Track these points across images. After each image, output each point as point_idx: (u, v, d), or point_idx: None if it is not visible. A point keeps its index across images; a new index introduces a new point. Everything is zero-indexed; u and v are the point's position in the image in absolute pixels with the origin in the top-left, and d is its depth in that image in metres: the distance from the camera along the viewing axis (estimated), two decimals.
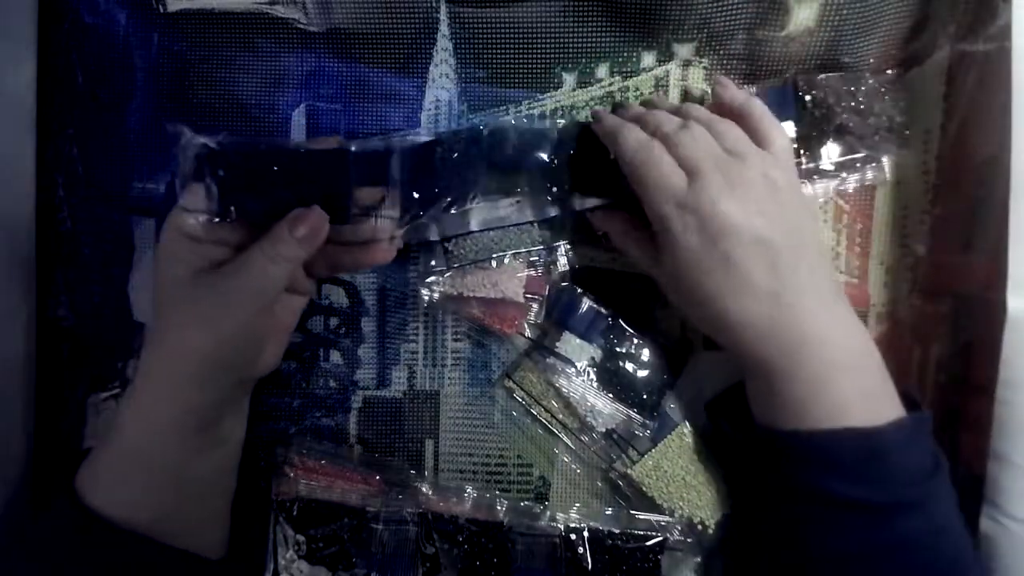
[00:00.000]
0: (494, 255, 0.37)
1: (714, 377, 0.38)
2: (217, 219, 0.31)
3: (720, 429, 0.36)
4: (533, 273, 0.38)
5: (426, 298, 0.38)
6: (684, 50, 0.37)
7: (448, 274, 0.37)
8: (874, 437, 0.30)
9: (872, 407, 0.30)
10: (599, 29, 0.37)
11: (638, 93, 0.38)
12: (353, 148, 0.32)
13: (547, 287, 0.38)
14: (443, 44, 0.38)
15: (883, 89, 0.36)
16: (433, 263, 0.37)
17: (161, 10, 0.39)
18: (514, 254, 0.37)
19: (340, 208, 0.32)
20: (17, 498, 0.39)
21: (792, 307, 0.30)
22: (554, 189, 0.35)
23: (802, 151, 0.36)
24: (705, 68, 0.37)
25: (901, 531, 0.29)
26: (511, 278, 0.37)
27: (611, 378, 0.37)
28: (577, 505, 0.38)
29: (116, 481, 0.31)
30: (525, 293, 0.38)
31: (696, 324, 0.34)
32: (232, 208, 0.31)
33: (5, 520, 0.38)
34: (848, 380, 0.30)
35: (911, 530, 0.30)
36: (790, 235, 0.30)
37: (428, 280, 0.38)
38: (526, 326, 0.38)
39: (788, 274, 0.30)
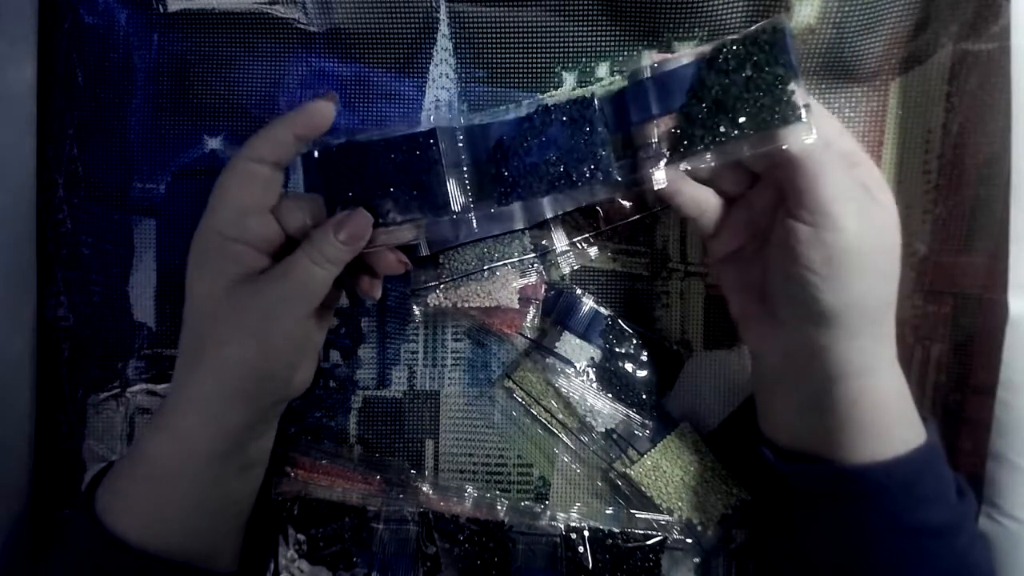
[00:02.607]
0: (486, 266, 0.37)
1: (713, 378, 0.38)
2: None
3: (763, 459, 0.33)
4: (526, 281, 0.38)
5: (419, 313, 0.38)
6: (685, 48, 0.37)
7: (441, 287, 0.37)
8: (935, 454, 0.30)
9: (916, 422, 0.31)
10: (599, 29, 0.37)
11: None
12: (437, 128, 0.32)
13: (542, 291, 0.38)
14: (443, 44, 0.38)
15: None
16: (424, 278, 0.37)
17: (161, 10, 0.39)
18: (506, 264, 0.37)
19: (439, 193, 0.32)
20: (18, 498, 0.39)
21: (888, 318, 0.30)
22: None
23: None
24: None
25: (958, 547, 0.30)
26: (504, 286, 0.37)
27: (610, 378, 0.37)
28: (577, 505, 0.38)
29: (139, 504, 0.31)
30: (520, 298, 0.37)
31: (797, 312, 0.30)
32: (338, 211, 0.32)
33: (6, 520, 0.38)
34: (905, 397, 0.31)
35: (964, 544, 0.30)
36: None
37: (421, 294, 0.38)
38: (526, 327, 0.38)
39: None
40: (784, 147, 0.28)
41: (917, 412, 0.31)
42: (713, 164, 0.31)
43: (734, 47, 0.29)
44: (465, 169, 0.33)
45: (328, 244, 0.31)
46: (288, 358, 0.32)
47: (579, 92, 0.33)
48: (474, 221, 0.34)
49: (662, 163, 0.31)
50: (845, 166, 0.29)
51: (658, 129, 0.31)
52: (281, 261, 0.31)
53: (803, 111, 0.29)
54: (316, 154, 0.33)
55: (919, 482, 0.30)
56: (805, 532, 0.32)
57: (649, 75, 0.31)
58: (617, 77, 0.37)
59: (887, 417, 0.30)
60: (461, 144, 0.33)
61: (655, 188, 0.31)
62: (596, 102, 0.32)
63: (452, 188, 0.32)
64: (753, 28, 0.30)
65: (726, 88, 0.30)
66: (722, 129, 0.30)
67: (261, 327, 0.30)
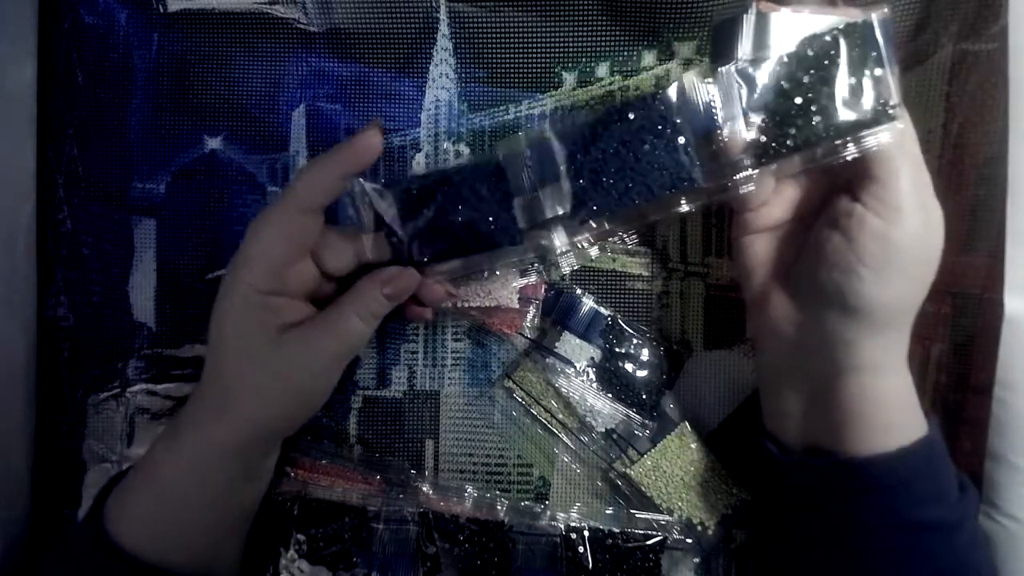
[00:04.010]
0: (487, 266, 0.37)
1: (713, 378, 0.38)
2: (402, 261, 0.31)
3: (765, 453, 0.33)
4: (526, 281, 0.38)
5: None
6: (685, 49, 0.37)
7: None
8: (936, 450, 0.30)
9: (919, 419, 0.31)
10: (599, 29, 0.37)
11: (638, 92, 0.38)
12: (503, 155, 0.30)
13: (542, 291, 0.38)
14: (443, 44, 0.38)
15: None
16: None
17: (161, 10, 0.39)
18: (506, 264, 0.37)
19: (509, 223, 0.31)
20: (18, 498, 0.39)
21: (911, 319, 0.30)
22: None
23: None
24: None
25: (959, 544, 0.30)
26: (504, 286, 0.37)
27: (610, 378, 0.37)
28: (577, 505, 0.38)
29: (152, 522, 0.31)
30: (520, 298, 0.37)
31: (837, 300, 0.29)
32: (412, 249, 0.31)
33: (6, 520, 0.38)
34: (910, 394, 0.31)
35: (965, 541, 0.30)
36: None
37: None
38: (526, 327, 0.38)
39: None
40: (875, 148, 0.28)
41: (920, 409, 0.31)
42: (803, 167, 0.29)
43: (827, 40, 0.28)
44: (535, 195, 0.30)
45: (375, 301, 0.31)
46: (320, 403, 0.33)
47: (653, 87, 0.30)
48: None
49: (749, 166, 0.29)
50: (917, 166, 0.29)
51: (746, 129, 0.29)
52: (323, 314, 0.31)
53: (896, 110, 0.28)
54: (382, 193, 0.31)
55: (920, 478, 0.30)
56: (805, 528, 0.32)
57: (754, 17, 0.28)
58: (617, 77, 0.37)
59: (891, 413, 0.30)
60: (529, 166, 0.30)
61: (742, 194, 0.30)
62: (675, 100, 0.29)
63: (520, 217, 0.30)
64: (846, 20, 0.28)
65: (817, 86, 0.28)
66: (815, 129, 0.28)
67: (307, 381, 0.31)
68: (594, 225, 0.31)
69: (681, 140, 0.29)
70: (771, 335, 0.33)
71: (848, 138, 0.28)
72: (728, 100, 0.29)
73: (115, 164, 0.40)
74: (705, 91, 0.29)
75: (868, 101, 0.28)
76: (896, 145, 0.28)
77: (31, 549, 0.40)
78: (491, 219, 0.31)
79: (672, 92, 0.29)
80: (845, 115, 0.28)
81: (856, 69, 0.28)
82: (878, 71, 0.28)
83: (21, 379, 0.39)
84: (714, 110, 0.29)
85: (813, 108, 0.28)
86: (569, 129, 0.30)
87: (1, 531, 0.38)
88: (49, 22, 0.39)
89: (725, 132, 0.29)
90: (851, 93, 0.28)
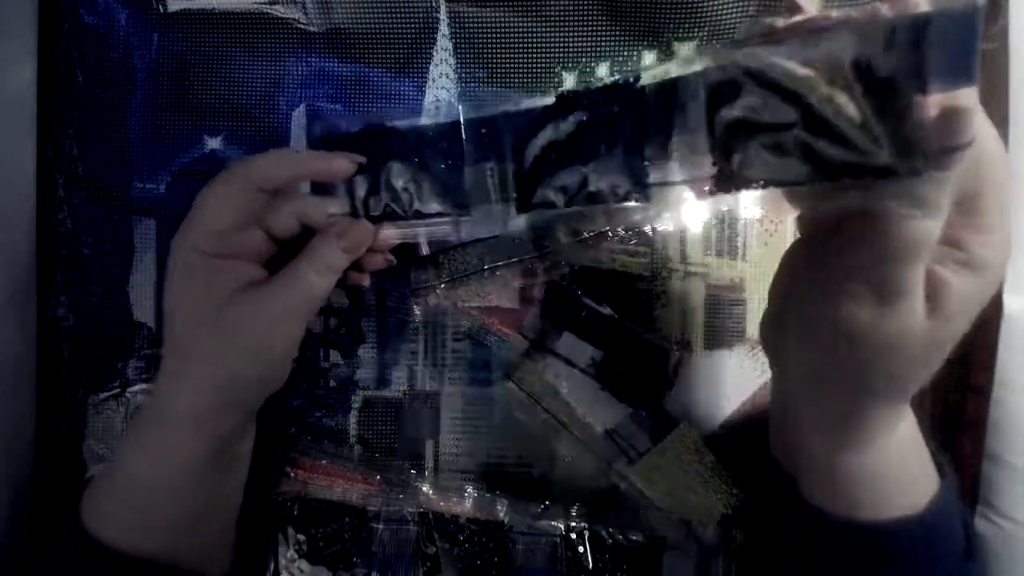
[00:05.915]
0: (486, 266, 0.37)
1: (713, 378, 0.38)
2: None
3: (778, 480, 0.31)
4: (526, 281, 0.38)
5: (419, 313, 0.38)
6: (685, 49, 0.37)
7: (441, 287, 0.37)
8: (952, 513, 0.28)
9: (931, 473, 0.28)
10: (599, 29, 0.37)
11: (589, 85, 0.37)
12: (462, 118, 0.30)
13: (542, 291, 0.38)
14: (443, 44, 0.38)
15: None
16: (424, 278, 0.37)
17: (161, 10, 0.39)
18: (506, 264, 0.37)
19: (458, 186, 0.30)
20: (18, 499, 0.39)
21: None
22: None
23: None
24: None
25: None
26: (504, 287, 0.37)
27: (611, 378, 0.37)
28: (577, 505, 0.38)
29: (125, 513, 0.30)
30: (520, 298, 0.38)
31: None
32: (364, 206, 0.31)
33: (6, 521, 0.38)
34: (924, 451, 0.28)
35: None
36: None
37: (421, 294, 0.38)
38: (526, 327, 0.38)
39: None
40: (878, 209, 0.20)
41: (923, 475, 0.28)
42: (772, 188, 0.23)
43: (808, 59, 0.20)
44: (489, 166, 0.29)
45: (332, 254, 0.30)
46: (281, 368, 0.32)
47: (619, 77, 0.25)
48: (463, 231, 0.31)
49: (711, 185, 0.24)
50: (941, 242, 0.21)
51: (702, 151, 0.24)
52: (279, 272, 0.31)
53: (925, 162, 0.19)
54: (332, 139, 0.31)
55: (934, 542, 0.27)
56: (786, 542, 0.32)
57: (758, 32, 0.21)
58: (616, 76, 0.37)
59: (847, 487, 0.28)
60: (486, 135, 0.29)
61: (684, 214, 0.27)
62: (641, 96, 0.25)
63: (471, 186, 0.30)
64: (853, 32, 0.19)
65: (789, 116, 0.21)
66: (775, 168, 0.21)
67: (262, 340, 0.30)
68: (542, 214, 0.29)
69: (631, 143, 0.26)
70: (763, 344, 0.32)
71: (831, 183, 0.21)
72: (690, 113, 0.24)
73: (115, 164, 0.40)
74: (666, 98, 0.24)
75: (869, 144, 0.19)
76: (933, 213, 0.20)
77: (31, 549, 0.40)
78: (440, 181, 0.30)
79: (636, 82, 0.25)
80: (829, 156, 0.20)
81: (856, 100, 0.19)
82: (891, 102, 0.19)
83: (21, 379, 0.39)
84: (684, 113, 0.24)
85: (783, 143, 0.21)
86: (523, 115, 0.28)
87: (1, 531, 0.38)
88: (49, 22, 0.39)
89: (688, 140, 0.24)
90: (839, 129, 0.20)
